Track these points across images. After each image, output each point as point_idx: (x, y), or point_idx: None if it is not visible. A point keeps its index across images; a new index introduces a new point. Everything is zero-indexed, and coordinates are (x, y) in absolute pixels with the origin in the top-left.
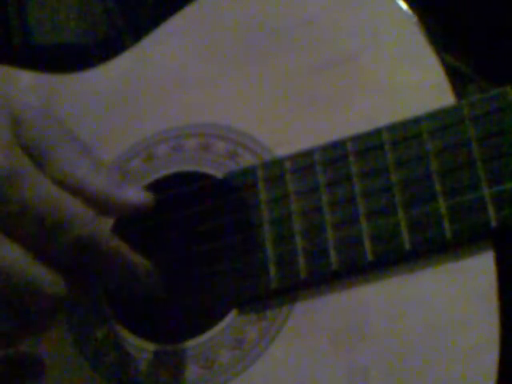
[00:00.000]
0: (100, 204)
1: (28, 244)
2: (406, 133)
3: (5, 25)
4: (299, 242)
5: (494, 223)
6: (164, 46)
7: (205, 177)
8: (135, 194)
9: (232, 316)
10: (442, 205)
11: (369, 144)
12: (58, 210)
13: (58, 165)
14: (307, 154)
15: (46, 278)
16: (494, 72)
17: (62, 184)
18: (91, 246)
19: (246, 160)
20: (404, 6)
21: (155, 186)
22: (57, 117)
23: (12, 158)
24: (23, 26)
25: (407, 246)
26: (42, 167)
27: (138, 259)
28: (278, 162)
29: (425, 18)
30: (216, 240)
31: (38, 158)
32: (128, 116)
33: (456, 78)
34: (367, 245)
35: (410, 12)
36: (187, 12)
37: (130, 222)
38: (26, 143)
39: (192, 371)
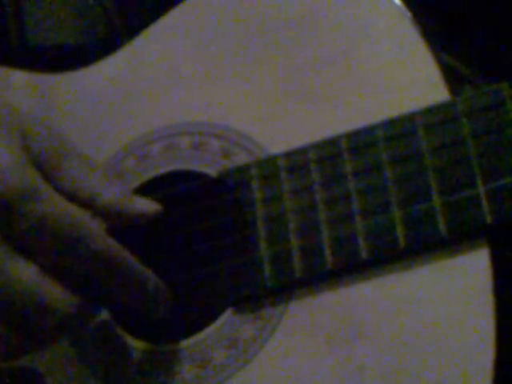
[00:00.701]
0: (112, 216)
1: (42, 261)
2: (401, 129)
3: (2, 25)
4: (294, 240)
5: (489, 220)
6: (159, 44)
7: (199, 175)
8: (145, 205)
9: (227, 315)
10: (437, 202)
11: (363, 141)
12: (75, 225)
13: (69, 178)
14: (301, 151)
15: (55, 295)
16: (493, 72)
17: (73, 197)
18: (105, 261)
19: (241, 158)
20: (398, 1)
21: (150, 185)
22: (60, 130)
23: (27, 176)
24: (21, 27)
25: (402, 243)
26: (52, 181)
27: (149, 274)
28: (273, 160)
29: (424, 18)
30: (211, 239)
31: (47, 171)
32: (122, 114)
33: (454, 78)
34: (362, 242)
35: (404, 8)
36: (182, 9)
37: None
38: (35, 157)
39: (187, 370)
